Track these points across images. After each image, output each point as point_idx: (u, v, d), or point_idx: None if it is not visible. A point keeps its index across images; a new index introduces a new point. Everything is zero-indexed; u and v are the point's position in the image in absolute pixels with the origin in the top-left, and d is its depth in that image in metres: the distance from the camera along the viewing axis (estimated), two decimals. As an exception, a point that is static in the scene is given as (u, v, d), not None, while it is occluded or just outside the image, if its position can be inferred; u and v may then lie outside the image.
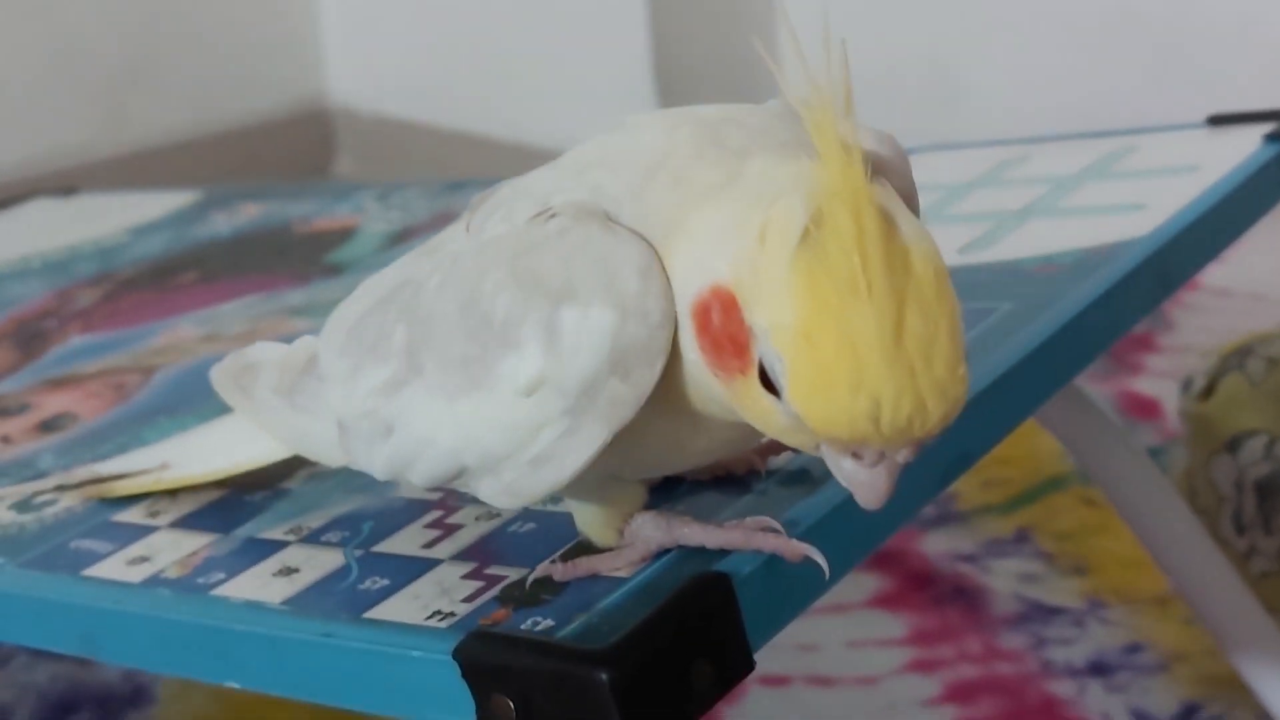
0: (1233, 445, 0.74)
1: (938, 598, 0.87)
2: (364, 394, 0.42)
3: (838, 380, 0.32)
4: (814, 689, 0.81)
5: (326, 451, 0.46)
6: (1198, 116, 0.68)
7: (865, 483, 0.34)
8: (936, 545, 0.92)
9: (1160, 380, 1.07)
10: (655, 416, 0.38)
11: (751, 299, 0.33)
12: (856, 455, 0.34)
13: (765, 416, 0.35)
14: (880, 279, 0.32)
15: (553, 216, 0.38)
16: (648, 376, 0.36)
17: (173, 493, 0.53)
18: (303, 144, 1.92)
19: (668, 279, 0.36)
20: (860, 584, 0.89)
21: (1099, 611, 0.84)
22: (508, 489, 0.39)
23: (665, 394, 0.37)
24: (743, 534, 0.40)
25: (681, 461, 0.42)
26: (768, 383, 0.34)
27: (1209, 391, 0.77)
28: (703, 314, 0.35)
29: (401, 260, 0.45)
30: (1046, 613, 0.85)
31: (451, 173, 1.79)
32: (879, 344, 0.32)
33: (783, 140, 0.37)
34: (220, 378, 0.51)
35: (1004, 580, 0.88)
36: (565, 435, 0.38)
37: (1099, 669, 0.79)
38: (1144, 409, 1.05)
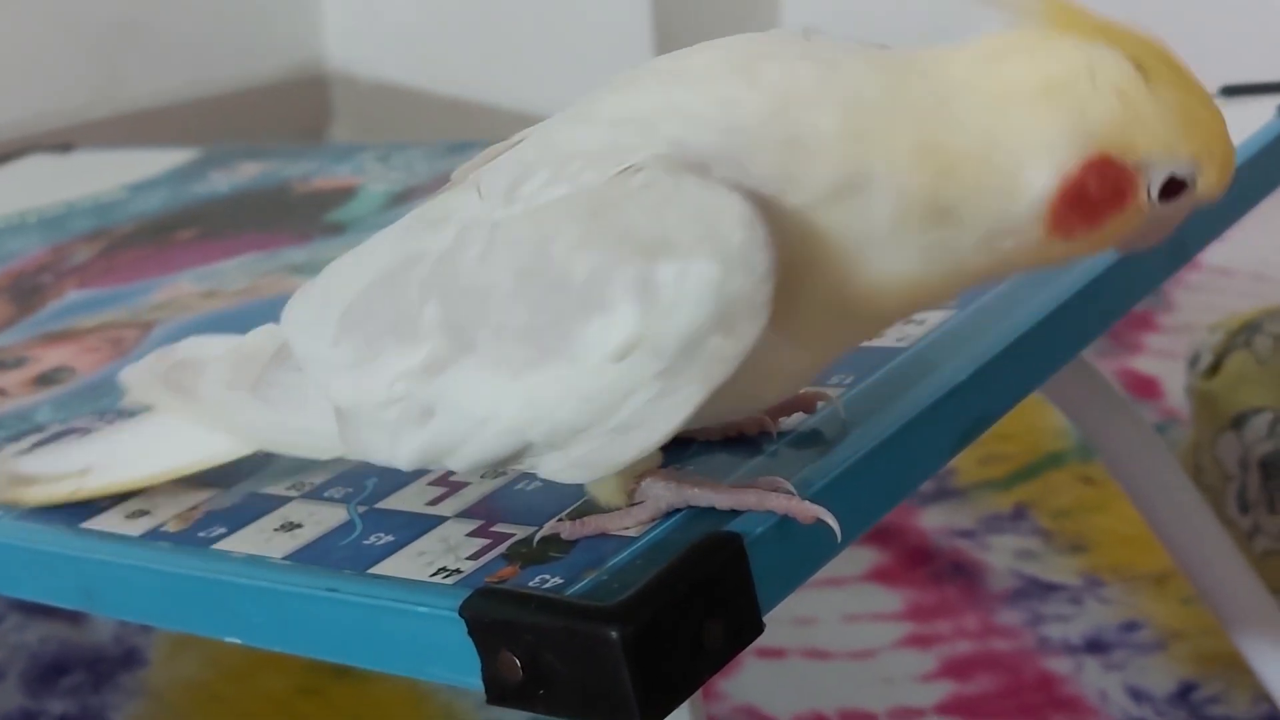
0: (1238, 423, 0.74)
1: (935, 573, 0.87)
2: (389, 380, 0.40)
3: (1229, 159, 0.39)
4: (810, 661, 0.80)
5: (309, 445, 0.44)
6: (1206, 83, 0.67)
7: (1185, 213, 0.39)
8: (934, 520, 0.92)
9: (1161, 360, 1.07)
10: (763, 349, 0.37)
11: (1142, 145, 0.37)
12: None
13: (1117, 232, 0.38)
14: (1193, 76, 0.38)
15: (637, 171, 0.37)
16: (752, 331, 0.36)
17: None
18: (300, 108, 1.91)
19: (769, 230, 0.36)
20: (858, 558, 0.89)
21: (1096, 589, 0.84)
22: (578, 463, 0.38)
23: (783, 325, 0.37)
24: (754, 494, 0.40)
25: (756, 401, 0.42)
26: (1166, 193, 0.38)
27: (1215, 368, 0.77)
28: (1075, 193, 0.37)
29: (386, 237, 0.43)
30: (1044, 589, 0.84)
31: (449, 138, 1.78)
32: (1221, 119, 0.39)
33: (862, 49, 0.39)
34: (139, 378, 0.48)
35: (1001, 556, 0.88)
36: (656, 398, 0.36)
37: (1096, 646, 0.79)
38: (1144, 388, 1.05)
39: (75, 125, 1.72)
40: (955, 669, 0.79)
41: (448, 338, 0.39)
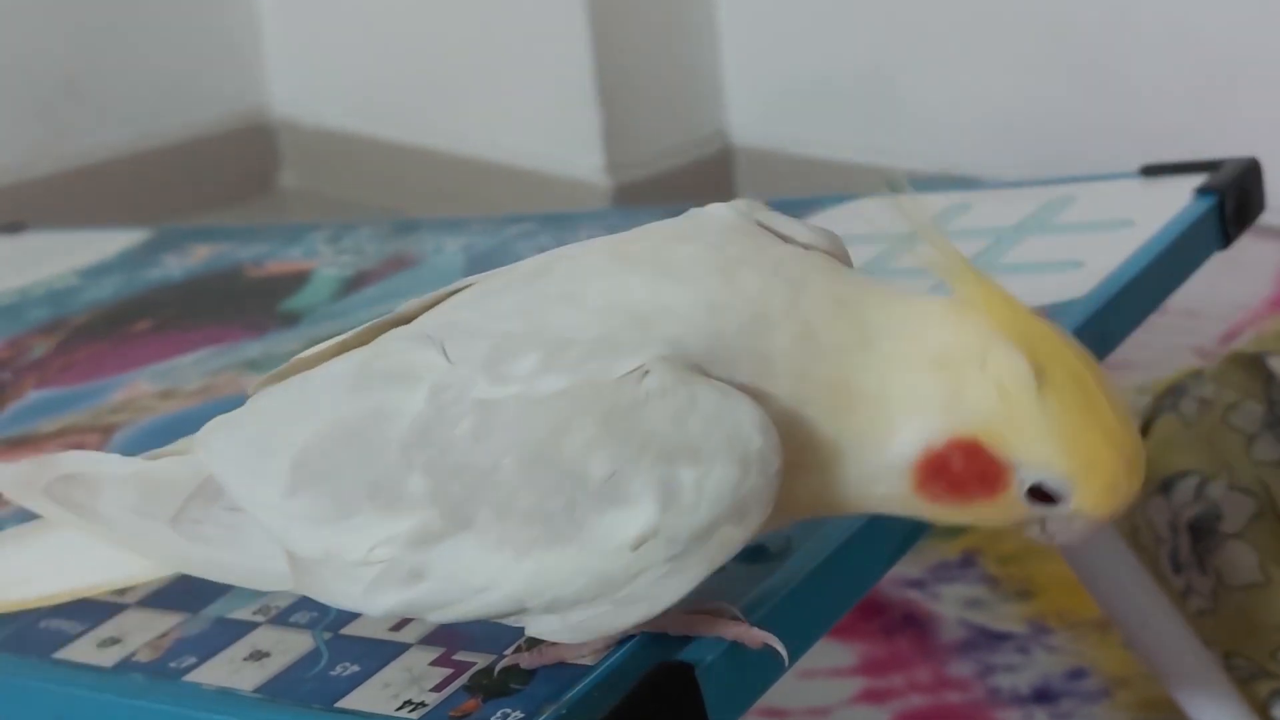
0: (1166, 486, 0.77)
1: (887, 626, 0.89)
2: (369, 543, 0.40)
3: (1121, 480, 0.39)
4: (769, 721, 0.83)
5: (246, 580, 0.44)
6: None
7: (1095, 529, 0.41)
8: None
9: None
10: None
11: (1013, 442, 0.39)
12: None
13: (996, 518, 0.40)
14: (1103, 389, 0.39)
15: (646, 374, 0.38)
16: (759, 519, 0.39)
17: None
18: (246, 157, 1.91)
19: (777, 432, 0.38)
20: (811, 612, 0.91)
21: (1043, 636, 0.87)
22: (575, 627, 0.40)
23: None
24: (705, 622, 0.42)
25: None
26: (1037, 497, 0.39)
27: (1144, 432, 0.79)
28: (938, 464, 0.39)
29: (332, 381, 0.42)
30: (993, 639, 0.87)
31: (395, 185, 1.79)
32: (1128, 440, 0.39)
33: (828, 270, 0.41)
34: (12, 484, 0.46)
35: (951, 606, 0.90)
36: (664, 577, 0.39)
37: (1043, 696, 0.81)
38: (1084, 429, 1.08)
39: (19, 182, 1.73)
40: (909, 723, 0.81)
41: (440, 511, 0.40)
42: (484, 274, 0.45)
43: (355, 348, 0.44)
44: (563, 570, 0.39)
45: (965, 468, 0.39)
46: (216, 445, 0.44)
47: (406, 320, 0.44)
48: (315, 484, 0.41)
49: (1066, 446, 0.38)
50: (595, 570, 0.39)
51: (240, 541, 0.43)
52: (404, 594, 0.41)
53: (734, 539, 0.39)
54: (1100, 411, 0.39)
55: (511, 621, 0.41)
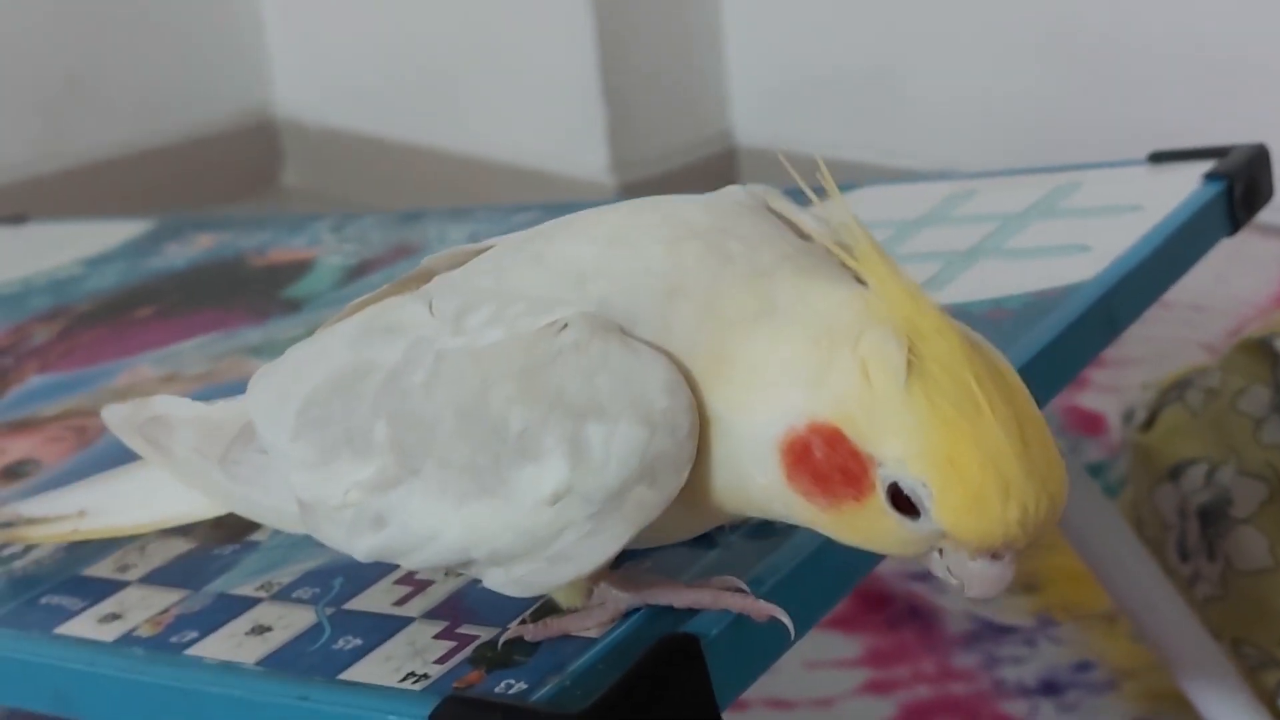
0: (1174, 474, 0.76)
1: (892, 618, 0.89)
2: (344, 487, 0.42)
3: (989, 496, 0.34)
4: (773, 711, 0.82)
5: (277, 520, 0.47)
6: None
7: (996, 576, 0.36)
8: (890, 563, 0.94)
9: (1105, 395, 1.10)
10: (669, 508, 0.39)
11: (869, 433, 0.35)
12: (995, 555, 0.35)
13: (878, 533, 0.36)
14: (995, 395, 0.34)
15: (564, 328, 0.38)
16: (675, 482, 0.38)
17: (141, 547, 0.54)
18: (249, 156, 1.91)
19: (690, 392, 0.37)
20: (815, 605, 0.90)
21: (1049, 629, 0.86)
22: (518, 581, 0.40)
23: (682, 489, 0.38)
24: (710, 594, 0.41)
25: (669, 539, 0.43)
26: (897, 504, 0.35)
27: (1150, 423, 0.79)
28: (800, 449, 0.36)
29: (344, 334, 0.44)
30: (998, 631, 0.87)
31: (399, 183, 1.79)
32: (1014, 456, 0.34)
33: (784, 252, 0.39)
34: (119, 423, 0.50)
35: (956, 599, 0.90)
36: (587, 536, 0.39)
37: (1050, 688, 0.81)
38: (1089, 424, 1.08)
39: (20, 181, 1.73)
40: (914, 715, 0.81)
41: (396, 458, 0.41)
42: (506, 235, 0.45)
43: (395, 294, 0.45)
44: (493, 524, 0.39)
45: (827, 457, 0.35)
46: (256, 391, 0.46)
47: (428, 275, 0.45)
48: (310, 430, 0.43)
49: (924, 445, 0.34)
50: (520, 525, 0.39)
51: (267, 482, 0.45)
52: (374, 538, 0.42)
53: (650, 501, 0.38)
54: (979, 418, 0.34)
55: (470, 572, 0.42)
